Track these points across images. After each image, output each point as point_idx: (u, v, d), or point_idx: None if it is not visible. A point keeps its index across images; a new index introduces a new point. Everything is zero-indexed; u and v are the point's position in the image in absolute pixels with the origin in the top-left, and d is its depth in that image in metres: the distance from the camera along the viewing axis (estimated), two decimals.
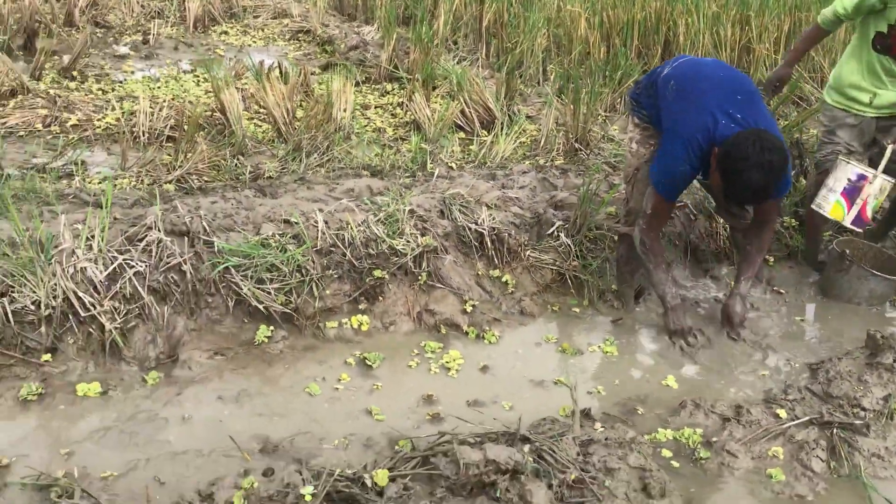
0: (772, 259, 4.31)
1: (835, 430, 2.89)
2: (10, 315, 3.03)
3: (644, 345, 3.63)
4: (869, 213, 3.78)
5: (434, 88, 6.00)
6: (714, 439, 2.86)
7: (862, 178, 3.72)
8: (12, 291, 3.08)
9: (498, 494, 2.41)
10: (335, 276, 3.62)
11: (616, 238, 3.94)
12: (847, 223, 3.78)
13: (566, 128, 5.28)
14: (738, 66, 7.11)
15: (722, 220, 4.24)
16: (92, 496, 2.40)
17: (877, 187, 3.72)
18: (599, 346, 3.55)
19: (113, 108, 5.51)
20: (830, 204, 3.79)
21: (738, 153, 3.07)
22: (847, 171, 3.76)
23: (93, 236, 3.29)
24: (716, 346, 3.61)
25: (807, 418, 2.95)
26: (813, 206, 3.94)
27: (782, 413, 2.99)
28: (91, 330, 3.15)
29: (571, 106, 5.26)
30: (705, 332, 3.65)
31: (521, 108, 5.86)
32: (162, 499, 2.47)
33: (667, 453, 2.81)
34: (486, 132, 5.50)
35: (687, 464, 2.79)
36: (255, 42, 8.37)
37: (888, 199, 4.11)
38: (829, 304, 4.01)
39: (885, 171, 3.75)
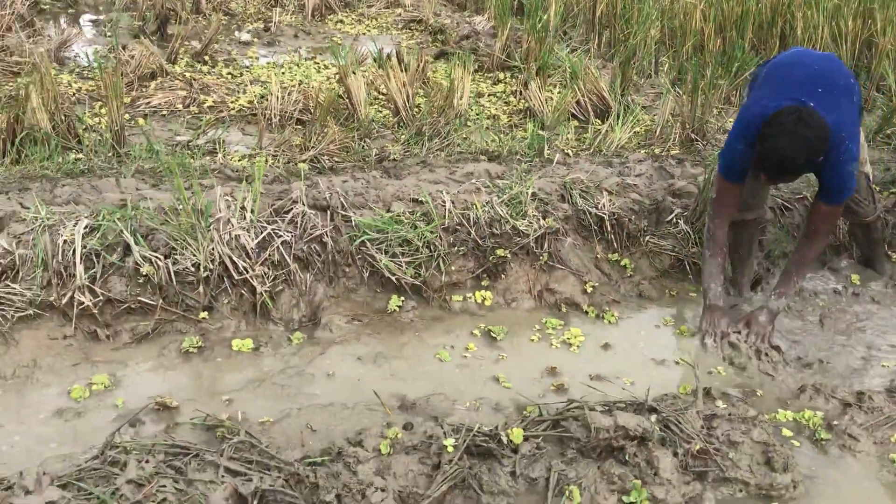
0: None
1: None
2: (172, 275, 3.35)
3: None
4: None
5: (549, 77, 6.13)
6: (835, 422, 2.93)
7: None
8: (175, 254, 3.40)
9: (626, 458, 2.56)
10: (461, 252, 3.82)
11: None
12: None
13: (682, 118, 5.33)
14: (859, 62, 6.96)
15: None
16: (254, 437, 2.66)
17: None
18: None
19: (244, 92, 5.87)
20: None
21: (775, 120, 3.03)
22: None
23: (245, 207, 3.58)
24: (833, 335, 3.65)
25: None
26: None
27: None
28: (243, 292, 3.44)
29: (688, 97, 5.31)
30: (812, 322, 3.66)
31: (636, 98, 5.93)
32: (314, 444, 2.72)
33: (787, 433, 2.90)
34: (599, 121, 5.60)
35: (808, 443, 2.87)
36: (368, 31, 8.66)
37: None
38: None
39: None
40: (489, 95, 6.31)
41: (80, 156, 4.45)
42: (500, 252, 3.81)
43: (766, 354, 3.33)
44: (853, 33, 6.89)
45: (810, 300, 3.92)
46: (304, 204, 3.68)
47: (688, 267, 3.96)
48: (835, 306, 3.87)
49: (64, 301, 3.20)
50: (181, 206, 3.46)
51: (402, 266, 3.67)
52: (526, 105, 5.81)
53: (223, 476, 2.42)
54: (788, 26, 7.28)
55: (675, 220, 4.06)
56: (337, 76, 5.80)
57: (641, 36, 6.97)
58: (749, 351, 3.33)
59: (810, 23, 7.01)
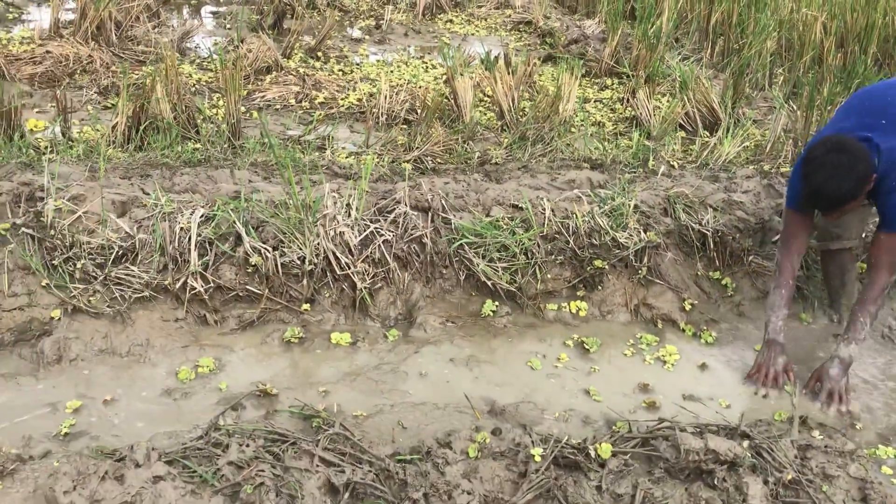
0: None
1: None
2: (279, 267, 3.49)
3: (865, 361, 3.56)
4: None
5: (658, 86, 6.05)
6: None
7: None
8: (282, 246, 3.55)
9: (715, 482, 2.53)
10: (558, 261, 3.83)
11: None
12: None
13: (795, 135, 5.17)
14: None
15: None
16: (348, 429, 2.76)
17: None
18: (820, 356, 3.53)
19: (353, 89, 6.03)
20: None
21: (811, 154, 2.99)
22: None
23: (350, 205, 3.70)
24: None
25: None
26: None
27: None
28: (344, 287, 3.56)
29: (803, 112, 5.15)
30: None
31: (747, 112, 5.78)
32: (405, 441, 2.80)
33: (887, 471, 2.80)
34: (707, 133, 5.49)
35: None
36: (477, 31, 8.73)
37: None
38: None
39: None
40: (595, 101, 6.27)
41: (198, 146, 4.69)
42: (597, 263, 3.81)
43: (847, 411, 3.14)
44: None
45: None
46: (406, 204, 3.77)
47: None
48: None
49: (178, 286, 3.39)
50: (291, 201, 3.60)
51: (498, 271, 3.71)
52: (632, 113, 5.75)
53: (318, 465, 2.52)
54: None
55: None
56: (444, 77, 5.88)
57: (757, 47, 6.77)
58: (824, 409, 3.16)
59: None
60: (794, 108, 5.49)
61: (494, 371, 3.30)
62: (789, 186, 3.41)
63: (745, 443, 2.65)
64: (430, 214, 3.83)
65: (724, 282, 3.90)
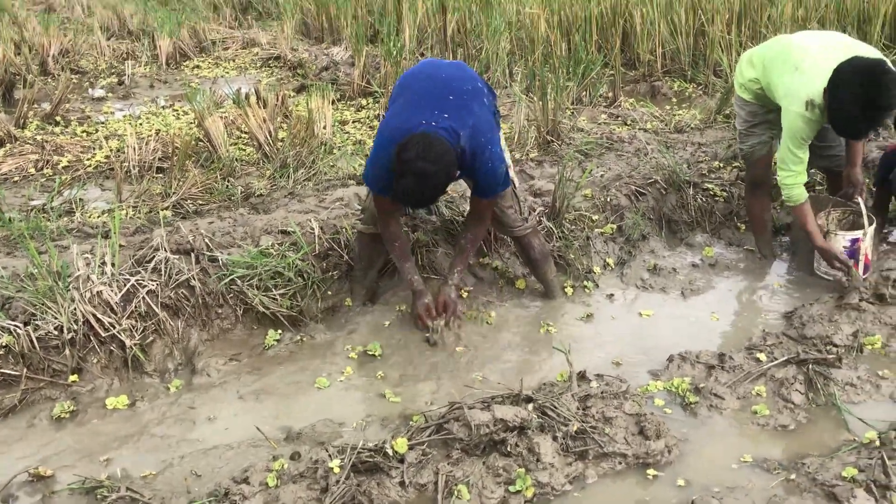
0: (743, 226, 4.57)
1: (810, 366, 3.13)
2: (35, 341, 3.22)
3: (622, 312, 3.87)
4: (871, 256, 3.92)
5: None
6: (701, 385, 3.10)
7: (855, 240, 3.85)
8: (35, 319, 3.28)
9: (508, 450, 2.63)
10: (335, 277, 3.84)
11: None
12: (861, 277, 3.82)
13: (537, 122, 5.54)
14: (696, 51, 7.40)
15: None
16: (136, 492, 2.59)
17: (868, 239, 3.87)
18: (586, 317, 3.80)
19: (101, 147, 5.72)
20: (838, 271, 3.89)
21: (402, 156, 3.05)
22: (839, 241, 3.86)
23: (104, 262, 3.49)
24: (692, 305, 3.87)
25: (784, 358, 3.20)
26: (820, 274, 4.01)
27: (762, 357, 3.23)
28: (112, 348, 3.34)
29: (540, 102, 5.52)
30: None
31: None
32: (201, 489, 2.66)
33: (659, 402, 3.05)
34: None
35: (679, 409, 3.03)
36: (227, 73, 8.60)
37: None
38: (797, 260, 4.26)
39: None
40: (354, 122, 6.37)
41: None
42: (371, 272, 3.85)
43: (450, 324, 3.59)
44: (686, 25, 7.34)
45: (671, 276, 4.13)
46: (166, 250, 3.62)
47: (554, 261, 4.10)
48: (694, 278, 4.10)
49: None
50: (37, 271, 3.34)
51: (276, 299, 3.65)
52: None
53: None
54: (628, 25, 7.68)
55: (538, 217, 4.20)
56: (196, 121, 5.73)
57: (493, 49, 7.20)
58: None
59: (647, 19, 7.42)
60: (534, 98, 5.87)
61: (286, 399, 3.23)
62: (372, 173, 3.38)
63: (530, 406, 2.77)
64: (193, 255, 3.69)
65: (494, 265, 4.08)
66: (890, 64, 3.43)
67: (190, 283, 3.59)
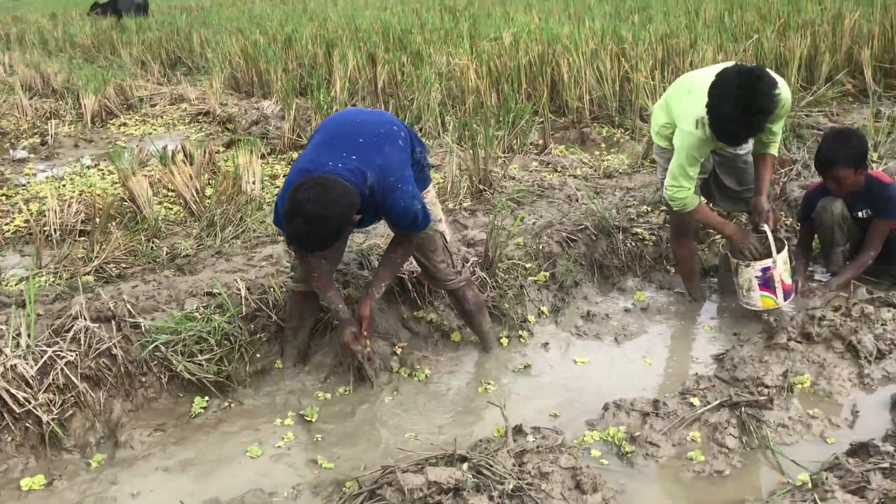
0: (672, 269, 4.63)
1: (743, 409, 3.15)
2: None
3: (558, 361, 3.87)
4: (788, 281, 3.91)
5: None
6: (637, 433, 3.08)
7: (766, 269, 3.83)
8: None
9: None
10: (264, 338, 3.74)
11: None
12: (783, 303, 3.88)
13: (469, 172, 5.56)
14: (621, 95, 7.58)
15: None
16: None
17: (781, 265, 3.84)
18: (522, 368, 3.77)
19: (20, 211, 5.53)
20: (759, 300, 3.89)
21: (293, 195, 3.00)
22: (751, 271, 3.86)
23: (19, 333, 3.34)
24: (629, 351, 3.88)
25: (717, 402, 3.20)
26: (744, 305, 4.00)
27: (696, 401, 3.24)
28: (28, 425, 3.17)
29: (471, 151, 5.56)
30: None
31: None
32: None
33: (596, 453, 3.02)
34: None
35: (615, 459, 3.00)
36: (155, 129, 8.48)
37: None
38: (727, 301, 4.32)
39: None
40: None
41: None
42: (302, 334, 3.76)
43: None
44: (612, 72, 7.52)
45: (605, 322, 4.15)
46: (85, 318, 3.48)
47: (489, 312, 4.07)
48: (627, 323, 4.13)
49: None
50: None
51: (202, 364, 3.53)
52: None
53: None
54: (556, 73, 7.83)
55: (471, 268, 4.18)
56: (120, 180, 5.59)
57: (423, 100, 7.25)
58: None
59: (574, 67, 7.58)
60: (466, 147, 5.90)
61: (213, 469, 3.10)
62: (279, 214, 3.23)
63: (465, 465, 2.71)
64: (115, 323, 3.56)
65: (429, 318, 4.03)
66: (770, 73, 3.47)
67: (111, 352, 3.45)
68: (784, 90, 3.58)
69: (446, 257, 3.70)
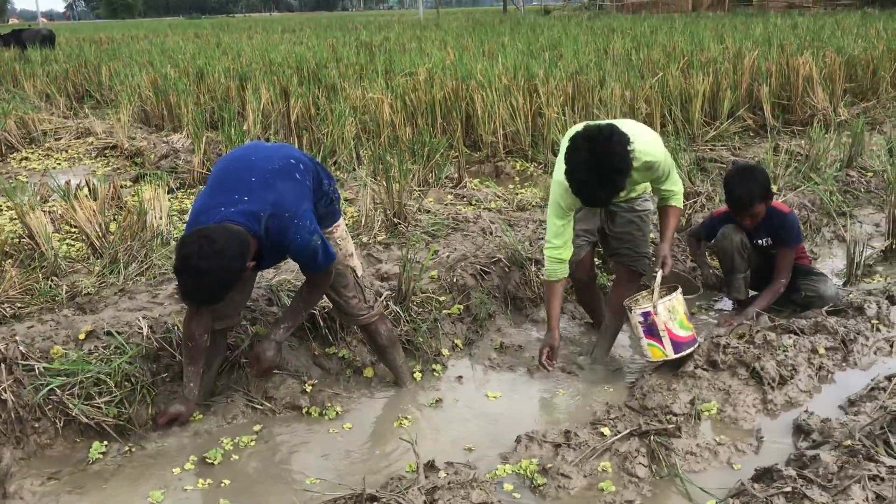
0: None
1: (652, 437, 3.18)
2: None
3: (472, 394, 3.85)
4: (680, 332, 3.71)
5: None
6: (549, 465, 3.07)
7: (646, 314, 3.69)
8: None
9: None
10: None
11: None
12: (673, 356, 3.70)
13: (384, 205, 5.53)
14: (534, 130, 7.72)
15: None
16: None
17: (665, 313, 3.68)
18: (436, 402, 3.73)
19: None
20: (647, 350, 3.75)
21: (181, 248, 2.93)
22: (634, 317, 3.75)
23: None
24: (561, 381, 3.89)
25: (627, 431, 3.23)
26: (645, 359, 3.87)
27: (606, 431, 3.26)
28: None
29: (385, 185, 5.54)
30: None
31: (340, 193, 6.06)
32: None
33: (508, 487, 2.99)
34: None
35: (528, 492, 2.98)
36: (59, 164, 8.20)
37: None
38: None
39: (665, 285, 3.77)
40: None
41: None
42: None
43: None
44: (524, 108, 7.66)
45: (518, 353, 4.16)
46: None
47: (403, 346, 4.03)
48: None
49: None
50: None
51: (101, 407, 3.37)
52: None
53: None
54: (470, 108, 7.93)
55: (384, 302, 4.14)
56: (18, 217, 5.34)
57: (338, 133, 7.22)
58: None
59: (488, 102, 7.69)
60: (379, 181, 5.88)
61: None
62: None
63: None
64: (5, 366, 3.36)
65: (341, 354, 3.96)
66: (623, 131, 3.34)
67: (1, 398, 3.25)
68: (644, 145, 3.48)
69: (357, 292, 3.65)
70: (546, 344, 3.84)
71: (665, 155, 3.68)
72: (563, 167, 3.39)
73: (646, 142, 3.55)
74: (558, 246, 3.73)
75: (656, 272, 3.78)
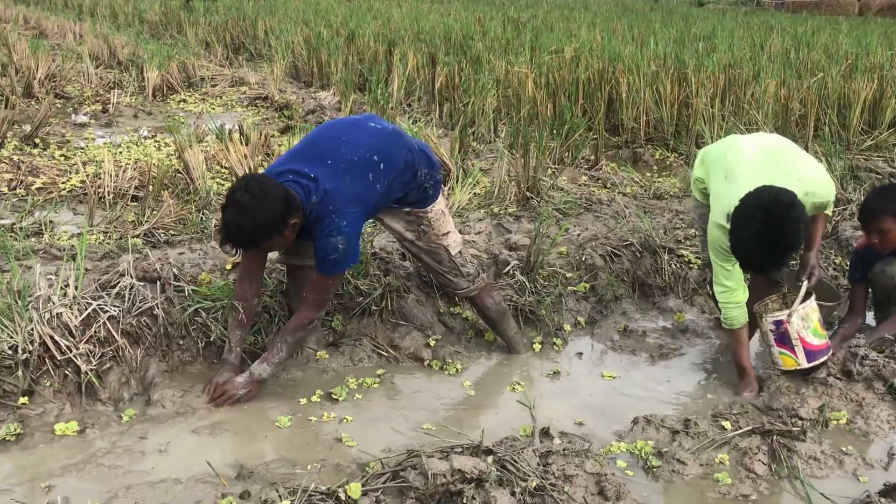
0: None
1: (774, 437, 3.10)
2: None
3: (590, 371, 3.85)
4: (813, 340, 3.52)
5: None
6: (665, 449, 3.05)
7: (779, 322, 3.53)
8: None
9: (465, 502, 2.56)
10: None
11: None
12: (806, 365, 3.54)
13: (517, 178, 5.57)
14: (679, 121, 7.53)
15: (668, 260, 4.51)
16: None
17: (798, 321, 3.51)
18: (552, 374, 3.76)
19: (77, 172, 5.67)
20: (778, 358, 3.60)
21: (231, 190, 3.05)
22: (765, 324, 3.59)
23: (67, 284, 3.42)
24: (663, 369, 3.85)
25: (749, 428, 3.16)
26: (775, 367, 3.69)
27: (727, 425, 3.20)
28: (67, 373, 3.25)
29: (522, 158, 5.57)
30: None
31: (475, 162, 6.15)
32: None
33: (621, 464, 2.99)
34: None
35: (641, 472, 2.98)
36: (213, 109, 8.63)
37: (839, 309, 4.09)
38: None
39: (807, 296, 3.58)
40: None
41: None
42: (337, 318, 3.80)
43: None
44: (671, 96, 7.47)
45: (641, 339, 4.12)
46: (132, 276, 3.55)
47: (523, 315, 4.07)
48: (664, 343, 4.09)
49: None
50: None
51: None
52: None
53: None
54: (614, 91, 7.81)
55: (511, 271, 4.19)
56: (176, 152, 5.71)
57: (479, 105, 7.28)
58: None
59: (633, 87, 7.55)
60: (516, 155, 5.92)
61: (242, 435, 3.14)
62: None
63: (490, 458, 2.71)
64: (160, 284, 3.63)
65: (465, 315, 4.05)
66: (799, 199, 3.17)
67: (153, 312, 3.52)
68: (815, 186, 3.37)
69: (452, 268, 3.65)
70: (749, 388, 3.61)
71: (832, 191, 3.57)
72: (732, 200, 3.24)
73: (818, 184, 3.45)
74: (733, 289, 3.51)
75: (802, 281, 3.65)
